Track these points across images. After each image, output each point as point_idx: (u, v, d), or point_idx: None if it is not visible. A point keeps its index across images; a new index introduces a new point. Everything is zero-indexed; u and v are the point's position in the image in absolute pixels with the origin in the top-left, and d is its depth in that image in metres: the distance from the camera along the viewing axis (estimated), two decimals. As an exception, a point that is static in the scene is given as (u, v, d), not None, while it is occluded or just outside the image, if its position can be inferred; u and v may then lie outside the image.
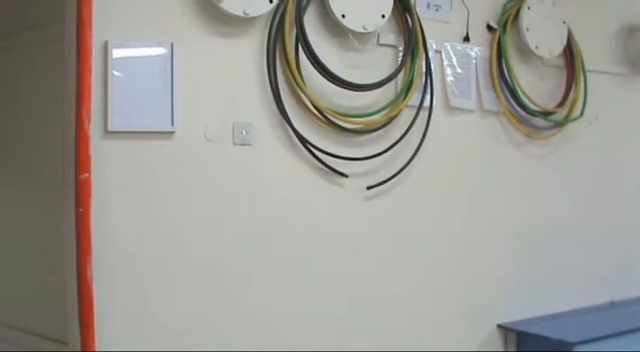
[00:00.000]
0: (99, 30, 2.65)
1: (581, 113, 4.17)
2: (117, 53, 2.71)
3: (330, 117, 3.20)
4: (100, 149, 2.64)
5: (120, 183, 2.72)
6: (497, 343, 3.86)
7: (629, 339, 3.78)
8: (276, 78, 3.07)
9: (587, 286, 4.25)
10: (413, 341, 3.50)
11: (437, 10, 3.63)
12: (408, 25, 3.44)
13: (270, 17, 3.07)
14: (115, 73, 2.70)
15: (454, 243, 3.68)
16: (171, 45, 2.82)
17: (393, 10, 3.34)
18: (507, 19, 3.86)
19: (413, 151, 3.46)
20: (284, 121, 3.09)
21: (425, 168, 3.53)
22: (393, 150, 3.39)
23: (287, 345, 3.10)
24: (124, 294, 2.72)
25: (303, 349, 3.13)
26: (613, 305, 4.29)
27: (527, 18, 3.87)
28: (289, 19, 3.09)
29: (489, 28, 3.83)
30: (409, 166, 3.45)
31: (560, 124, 4.09)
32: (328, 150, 3.20)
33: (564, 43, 4.04)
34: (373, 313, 3.38)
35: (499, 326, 3.83)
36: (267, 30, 3.07)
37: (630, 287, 4.46)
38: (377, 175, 3.37)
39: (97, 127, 2.65)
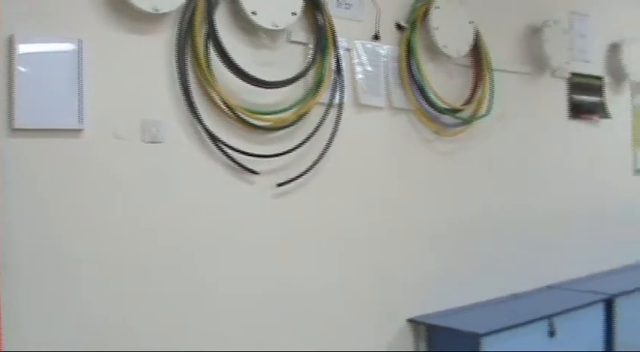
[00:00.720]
0: (4, 24, 2.60)
1: (488, 111, 4.29)
2: (23, 48, 2.66)
3: (241, 115, 3.21)
4: (5, 147, 2.60)
5: (26, 182, 2.68)
6: (408, 337, 3.94)
7: (531, 328, 3.92)
8: (186, 75, 3.06)
9: (490, 280, 4.36)
10: (323, 339, 3.54)
11: (347, 8, 3.68)
12: (319, 22, 3.48)
13: (181, 14, 3.06)
14: (21, 68, 2.65)
15: (364, 240, 3.73)
16: (80, 41, 2.78)
17: (303, 7, 3.37)
18: (416, 18, 3.93)
19: (323, 148, 3.50)
20: (194, 119, 3.08)
21: (335, 165, 3.57)
22: (303, 147, 3.42)
23: (194, 345, 3.09)
24: (30, 295, 2.68)
25: (210, 349, 3.13)
26: (514, 297, 4.43)
27: (435, 17, 3.96)
28: (200, 15, 3.09)
29: (399, 26, 3.89)
30: (319, 163, 3.49)
31: (467, 122, 4.20)
32: (239, 148, 3.20)
33: (471, 42, 4.14)
34: (283, 311, 3.39)
35: (409, 320, 3.91)
36: (178, 27, 3.06)
37: (529, 281, 4.61)
38: (287, 173, 3.39)
39: (1, 124, 2.61)
